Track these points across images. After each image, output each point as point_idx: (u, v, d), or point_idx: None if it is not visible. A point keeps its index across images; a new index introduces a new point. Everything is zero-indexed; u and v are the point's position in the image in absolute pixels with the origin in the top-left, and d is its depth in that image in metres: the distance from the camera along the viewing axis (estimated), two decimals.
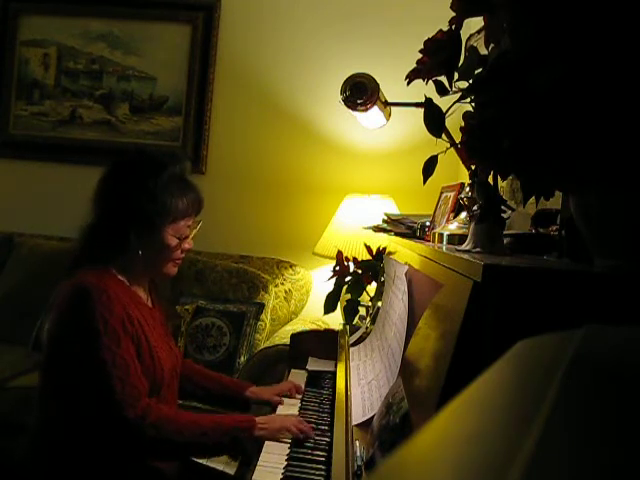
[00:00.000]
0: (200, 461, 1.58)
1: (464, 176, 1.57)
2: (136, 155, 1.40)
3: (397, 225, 1.75)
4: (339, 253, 2.14)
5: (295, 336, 1.86)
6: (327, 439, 1.17)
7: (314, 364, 1.71)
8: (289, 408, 1.42)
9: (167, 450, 1.24)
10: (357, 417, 1.08)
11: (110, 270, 1.33)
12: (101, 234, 1.34)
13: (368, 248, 2.12)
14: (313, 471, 1.04)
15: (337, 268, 2.12)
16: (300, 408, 1.39)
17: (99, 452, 1.25)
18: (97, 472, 1.26)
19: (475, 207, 0.92)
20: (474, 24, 1.33)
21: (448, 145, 1.12)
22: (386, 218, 1.84)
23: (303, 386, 1.55)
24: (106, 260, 1.33)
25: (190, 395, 1.58)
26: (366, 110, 1.58)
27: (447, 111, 0.96)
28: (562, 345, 0.29)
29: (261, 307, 2.49)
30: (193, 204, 1.38)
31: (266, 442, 1.19)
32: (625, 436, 0.22)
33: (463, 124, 0.79)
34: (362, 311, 2.00)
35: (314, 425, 1.26)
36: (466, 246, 0.91)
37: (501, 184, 1.52)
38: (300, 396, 1.48)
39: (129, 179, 1.34)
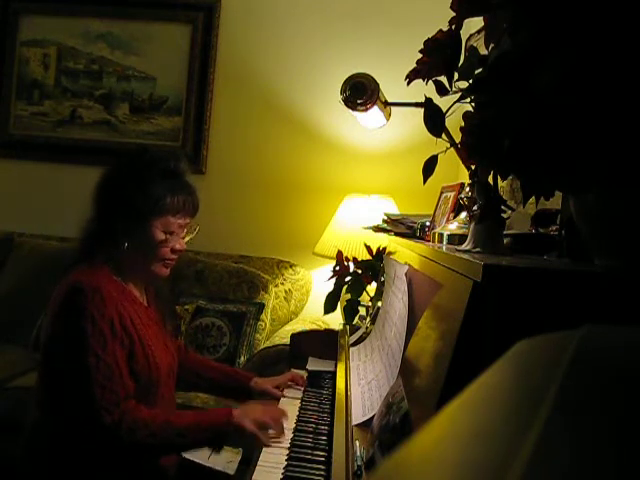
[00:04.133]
0: (199, 461, 1.58)
1: (464, 176, 1.57)
2: (135, 151, 1.43)
3: (397, 225, 1.74)
4: (339, 253, 2.14)
5: (295, 336, 1.86)
6: (327, 439, 1.17)
7: (314, 364, 1.71)
8: (289, 405, 1.42)
9: (144, 452, 1.26)
10: (357, 417, 1.08)
11: (105, 269, 1.33)
12: (94, 228, 1.36)
13: (368, 248, 2.12)
14: (313, 471, 1.04)
15: (337, 268, 2.12)
16: (300, 408, 1.39)
17: (92, 452, 1.26)
18: (94, 471, 1.26)
19: (475, 207, 0.92)
20: (474, 24, 1.33)
21: (448, 145, 1.12)
22: (386, 218, 1.84)
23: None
24: (101, 257, 1.34)
25: (194, 387, 1.63)
26: (366, 110, 1.58)
27: (447, 111, 0.97)
28: (562, 345, 0.29)
29: (261, 307, 2.49)
30: (185, 203, 1.36)
31: None
32: (625, 436, 0.22)
33: (463, 124, 0.79)
34: (362, 311, 2.00)
35: (313, 425, 1.26)
36: (466, 246, 0.91)
37: (501, 184, 1.51)
38: (302, 388, 1.54)
39: (124, 171, 1.37)
